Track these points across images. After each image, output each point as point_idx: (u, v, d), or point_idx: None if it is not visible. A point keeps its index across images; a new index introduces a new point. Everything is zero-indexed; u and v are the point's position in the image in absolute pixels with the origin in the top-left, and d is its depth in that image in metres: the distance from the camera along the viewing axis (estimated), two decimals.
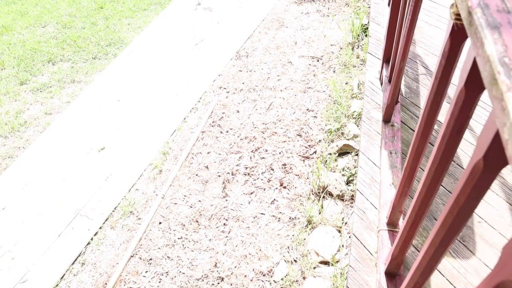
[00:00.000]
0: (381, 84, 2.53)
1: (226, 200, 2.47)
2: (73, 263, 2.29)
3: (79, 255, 2.33)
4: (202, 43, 4.28)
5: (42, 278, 2.21)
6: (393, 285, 1.47)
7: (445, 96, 1.07)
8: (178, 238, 2.30)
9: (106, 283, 2.14)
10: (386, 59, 2.49)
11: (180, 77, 3.78)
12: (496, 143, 0.59)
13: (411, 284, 1.12)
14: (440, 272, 1.55)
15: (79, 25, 5.16)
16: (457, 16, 0.86)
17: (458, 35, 0.89)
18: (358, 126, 2.74)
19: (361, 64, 3.43)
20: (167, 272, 2.14)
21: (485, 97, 2.21)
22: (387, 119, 2.11)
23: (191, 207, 2.47)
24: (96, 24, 5.14)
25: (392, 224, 1.57)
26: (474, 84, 0.74)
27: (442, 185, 1.78)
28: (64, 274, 2.23)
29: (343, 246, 2.09)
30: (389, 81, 2.31)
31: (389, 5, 2.89)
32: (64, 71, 4.20)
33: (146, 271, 2.17)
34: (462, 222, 0.79)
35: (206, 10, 4.94)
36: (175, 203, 2.51)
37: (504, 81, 0.52)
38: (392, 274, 1.46)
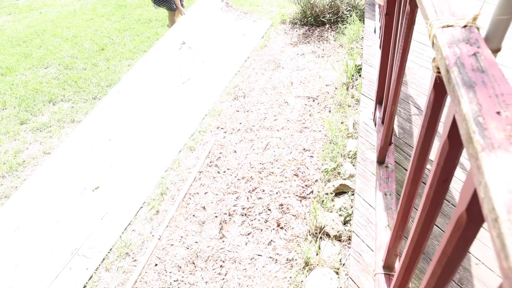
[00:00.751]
0: (375, 125, 2.58)
1: (223, 241, 2.45)
2: None
3: None
4: (189, 82, 4.40)
5: None
6: None
7: (433, 142, 1.10)
8: (174, 281, 2.27)
9: None
10: (379, 101, 2.55)
11: (169, 115, 3.85)
12: (476, 198, 0.62)
13: None
14: None
15: (80, 66, 5.30)
16: (438, 70, 0.90)
17: (440, 87, 0.93)
18: (354, 165, 2.77)
19: (356, 104, 3.51)
20: None
21: None
22: (381, 161, 2.14)
23: (188, 248, 2.45)
24: (97, 65, 5.28)
25: (388, 267, 1.56)
26: (456, 138, 0.77)
27: (437, 225, 1.79)
28: None
29: None
30: (382, 122, 2.36)
31: (380, 47, 2.99)
32: (64, 111, 4.27)
33: None
34: (452, 271, 0.80)
35: (190, 49, 5.10)
36: (172, 244, 2.49)
37: (479, 141, 0.55)
38: None
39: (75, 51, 5.81)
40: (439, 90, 0.95)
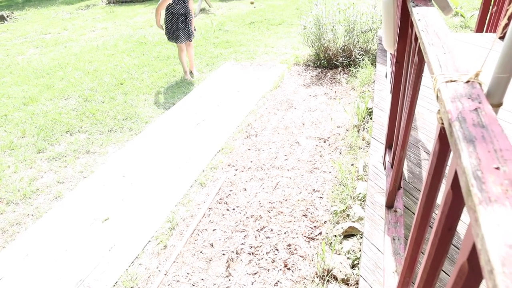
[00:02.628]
0: (385, 169, 2.60)
1: (229, 280, 2.44)
2: None
3: None
4: (203, 122, 4.51)
5: None
6: None
7: (439, 190, 1.12)
8: None
9: None
10: (388, 145, 2.59)
11: (182, 153, 3.93)
12: (475, 251, 0.64)
13: None
14: None
15: (99, 99, 5.48)
16: (443, 122, 0.95)
17: (445, 138, 0.97)
18: (363, 208, 2.77)
19: (367, 146, 3.54)
20: None
21: None
22: (390, 205, 2.15)
23: (194, 285, 2.44)
24: (115, 98, 5.45)
25: None
26: (459, 189, 0.80)
27: (444, 271, 1.77)
28: None
29: None
30: (392, 166, 2.38)
31: (391, 92, 3.06)
32: (80, 142, 4.39)
33: None
34: None
35: (207, 97, 5.26)
36: (178, 281, 2.48)
37: (477, 194, 0.58)
38: None
39: (95, 84, 6.03)
40: (444, 141, 0.99)
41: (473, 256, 0.65)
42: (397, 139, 2.14)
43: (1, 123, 5.06)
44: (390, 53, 4.11)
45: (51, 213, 3.28)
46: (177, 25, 5.46)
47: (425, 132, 2.98)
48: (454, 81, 0.93)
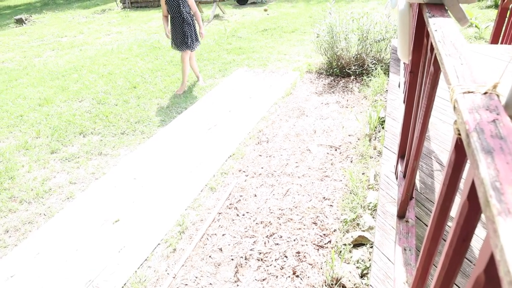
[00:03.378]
0: (397, 179, 2.58)
1: (238, 285, 2.43)
2: None
3: None
4: (215, 128, 4.53)
5: None
6: None
7: (453, 201, 1.12)
8: None
9: None
10: (401, 155, 2.57)
11: (193, 157, 3.96)
12: (494, 260, 0.64)
13: None
14: None
15: (112, 102, 5.55)
16: (459, 132, 0.95)
17: (461, 149, 0.97)
18: (374, 217, 2.75)
19: (378, 156, 3.53)
20: None
21: None
22: (401, 215, 2.13)
23: None
24: (128, 102, 5.52)
25: None
26: (475, 199, 0.80)
27: (457, 285, 1.75)
28: None
29: None
30: (404, 176, 2.37)
31: (404, 102, 3.05)
32: (93, 144, 4.44)
33: None
34: None
35: (219, 103, 5.28)
36: (186, 284, 2.49)
37: (495, 205, 0.58)
38: None
39: (109, 87, 6.11)
40: (460, 152, 0.99)
41: (490, 267, 0.65)
42: (410, 149, 2.13)
43: (16, 123, 5.15)
44: (404, 63, 4.10)
45: (63, 213, 3.32)
46: (175, 32, 5.38)
47: (437, 143, 2.96)
48: (472, 92, 0.93)
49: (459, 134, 0.96)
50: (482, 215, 0.74)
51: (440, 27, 1.40)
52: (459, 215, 0.89)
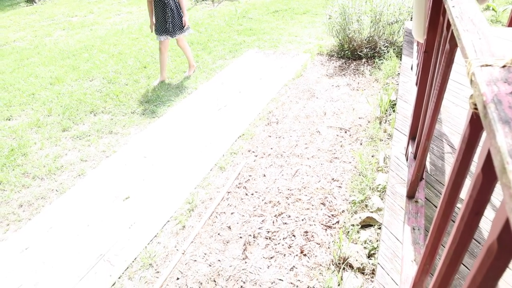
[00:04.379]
0: (407, 160, 2.57)
1: (246, 262, 2.47)
2: None
3: None
4: (225, 108, 4.53)
5: None
6: None
7: (465, 178, 1.11)
8: None
9: None
10: (412, 136, 2.56)
11: (203, 137, 3.97)
12: (508, 228, 0.64)
13: None
14: None
15: (123, 81, 5.56)
16: (475, 106, 0.93)
17: (476, 123, 0.96)
18: (382, 199, 2.76)
19: (388, 139, 3.51)
20: None
21: None
22: (411, 195, 2.13)
23: (210, 266, 2.48)
24: (138, 81, 5.52)
25: None
26: (490, 171, 0.80)
27: (464, 265, 1.75)
28: None
29: None
30: (415, 157, 2.36)
31: (416, 84, 3.01)
32: (103, 122, 4.47)
33: None
34: None
35: (229, 84, 5.26)
36: (195, 260, 2.53)
37: None
38: None
39: (119, 67, 6.11)
40: (475, 126, 0.98)
41: (504, 234, 0.65)
42: (421, 130, 2.11)
43: (28, 101, 5.20)
44: (418, 45, 4.03)
45: (74, 189, 3.37)
46: (157, 16, 5.01)
47: (449, 126, 2.93)
48: (490, 65, 0.91)
49: (475, 108, 0.95)
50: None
51: (458, 3, 1.37)
52: (473, 188, 0.88)
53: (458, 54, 1.66)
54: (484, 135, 0.89)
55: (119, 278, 2.49)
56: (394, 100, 3.97)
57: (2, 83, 5.90)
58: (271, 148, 3.62)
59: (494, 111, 0.73)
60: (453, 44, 1.52)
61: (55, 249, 2.75)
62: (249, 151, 3.63)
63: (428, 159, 2.57)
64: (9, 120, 4.76)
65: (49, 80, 5.85)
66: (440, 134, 2.84)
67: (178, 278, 2.43)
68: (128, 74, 5.80)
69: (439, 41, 1.88)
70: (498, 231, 0.65)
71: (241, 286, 2.32)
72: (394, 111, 3.86)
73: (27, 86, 5.70)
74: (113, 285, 2.45)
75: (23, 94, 5.42)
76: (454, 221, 1.07)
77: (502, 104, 0.75)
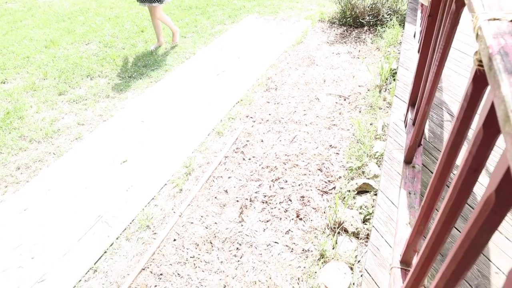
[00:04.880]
0: (405, 127, 2.56)
1: (242, 225, 2.50)
2: (88, 270, 2.34)
3: (96, 262, 2.38)
4: (224, 73, 4.47)
5: (59, 280, 2.26)
6: None
7: (465, 138, 1.10)
8: (191, 257, 2.33)
9: None
10: (412, 103, 2.54)
11: (201, 102, 3.94)
12: (508, 178, 0.63)
13: None
14: None
15: (119, 45, 5.45)
16: (480, 63, 0.91)
17: (480, 80, 0.94)
18: (379, 166, 2.76)
19: (387, 107, 3.48)
20: None
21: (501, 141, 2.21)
22: (408, 160, 2.13)
23: (207, 228, 2.51)
24: (135, 45, 5.42)
25: (405, 262, 1.57)
26: (491, 126, 0.78)
27: (456, 228, 1.78)
28: (80, 280, 2.28)
29: (354, 284, 2.07)
30: (413, 124, 2.35)
31: (418, 51, 2.96)
32: (100, 86, 4.41)
33: (156, 286, 2.19)
34: (473, 257, 0.81)
35: (228, 49, 5.15)
36: (192, 223, 2.55)
37: None
38: None
39: (116, 31, 5.98)
40: (478, 83, 0.96)
41: (503, 186, 0.65)
42: (422, 95, 2.09)
43: (23, 64, 5.10)
44: (422, 11, 3.94)
45: (72, 152, 3.36)
46: None
47: (450, 94, 2.91)
48: (498, 19, 0.89)
49: (479, 65, 0.93)
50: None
51: None
52: (472, 145, 0.87)
53: (461, 21, 1.62)
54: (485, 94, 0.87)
55: (117, 239, 2.52)
56: (395, 69, 3.92)
57: None
58: (269, 114, 3.59)
59: (500, 63, 0.71)
60: (460, 4, 1.48)
61: (54, 210, 2.77)
62: (247, 116, 3.61)
63: (427, 127, 2.56)
64: (4, 83, 4.69)
65: (43, 43, 5.72)
66: (440, 102, 2.82)
67: (175, 240, 2.46)
68: (125, 38, 5.68)
69: (444, 2, 1.83)
70: (497, 182, 0.65)
71: (237, 248, 2.36)
72: (394, 79, 3.81)
73: (21, 49, 5.59)
74: (111, 245, 2.48)
75: (18, 57, 5.32)
76: (448, 186, 1.07)
77: (509, 56, 0.73)
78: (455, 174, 0.97)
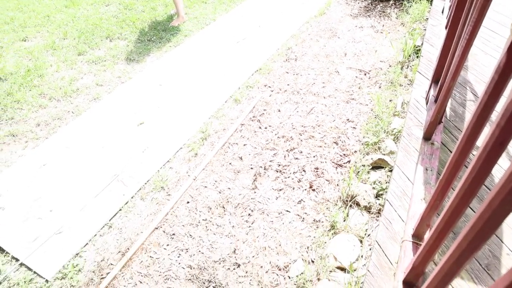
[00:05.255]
0: (427, 104, 2.51)
1: (255, 192, 2.52)
2: (103, 226, 2.41)
3: (111, 218, 2.45)
4: (244, 41, 4.41)
5: (75, 232, 2.34)
6: None
7: (492, 112, 1.08)
8: (203, 220, 2.37)
9: (128, 248, 2.24)
10: (435, 79, 2.48)
11: (219, 69, 3.92)
12: None
13: None
14: None
15: (139, 8, 5.40)
16: None
17: None
18: (396, 143, 2.73)
19: (408, 84, 3.41)
20: (187, 249, 2.21)
21: None
22: (428, 137, 2.10)
23: (220, 192, 2.54)
24: (155, 9, 5.36)
25: (417, 236, 1.57)
26: None
27: (470, 208, 1.76)
28: (95, 234, 2.36)
29: (362, 256, 2.09)
30: (435, 101, 2.30)
31: (446, 27, 2.87)
32: (119, 48, 4.41)
33: (168, 244, 2.25)
34: (484, 237, 0.80)
35: (248, 16, 5.05)
36: (205, 186, 2.59)
37: None
38: (410, 284, 1.46)
39: None
40: None
41: None
42: (446, 72, 2.04)
43: (43, 23, 5.11)
44: None
45: (90, 112, 3.40)
46: None
47: (475, 74, 2.83)
48: None
49: None
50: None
51: None
52: (501, 117, 0.85)
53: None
54: None
55: (132, 197, 2.58)
56: (419, 46, 3.81)
57: (16, 3, 5.78)
58: (288, 85, 3.56)
59: None
60: None
61: (71, 167, 2.83)
62: (265, 85, 3.58)
63: (449, 105, 2.51)
64: (25, 41, 4.71)
65: (64, 2, 5.70)
66: (464, 81, 2.75)
67: (188, 202, 2.50)
68: (145, 1, 5.62)
69: None
70: None
71: (249, 214, 2.39)
72: (417, 57, 3.71)
73: (42, 7, 5.58)
74: (126, 203, 2.54)
75: (38, 15, 5.32)
76: (466, 166, 1.05)
77: None
78: (474, 155, 0.96)
